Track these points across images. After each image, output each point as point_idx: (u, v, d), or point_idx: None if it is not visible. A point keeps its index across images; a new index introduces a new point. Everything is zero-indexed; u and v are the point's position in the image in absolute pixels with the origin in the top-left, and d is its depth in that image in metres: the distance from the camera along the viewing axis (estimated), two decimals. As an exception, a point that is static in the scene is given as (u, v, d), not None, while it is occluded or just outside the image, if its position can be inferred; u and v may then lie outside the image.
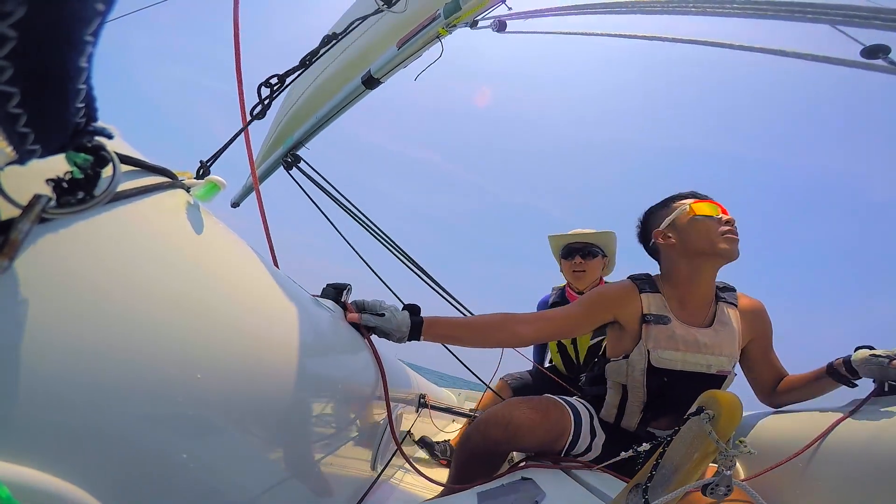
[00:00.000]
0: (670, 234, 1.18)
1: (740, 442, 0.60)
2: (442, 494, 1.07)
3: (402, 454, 1.01)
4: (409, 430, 1.65)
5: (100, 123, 0.32)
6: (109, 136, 0.31)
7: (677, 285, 1.17)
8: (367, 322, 0.98)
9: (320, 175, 2.29)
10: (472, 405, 2.82)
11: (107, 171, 0.33)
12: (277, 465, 0.61)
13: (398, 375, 1.35)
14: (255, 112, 1.06)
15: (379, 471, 1.13)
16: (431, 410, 1.89)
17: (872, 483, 0.80)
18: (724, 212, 1.15)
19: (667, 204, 1.23)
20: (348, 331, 0.92)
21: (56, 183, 0.30)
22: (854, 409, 0.94)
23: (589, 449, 1.13)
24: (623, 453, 0.85)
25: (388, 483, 1.29)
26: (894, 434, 0.82)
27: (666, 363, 1.09)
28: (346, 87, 2.06)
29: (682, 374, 1.09)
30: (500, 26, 1.85)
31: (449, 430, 2.28)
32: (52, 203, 0.29)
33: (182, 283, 0.43)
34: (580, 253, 2.06)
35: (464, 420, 2.07)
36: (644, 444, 0.75)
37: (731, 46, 1.04)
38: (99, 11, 0.24)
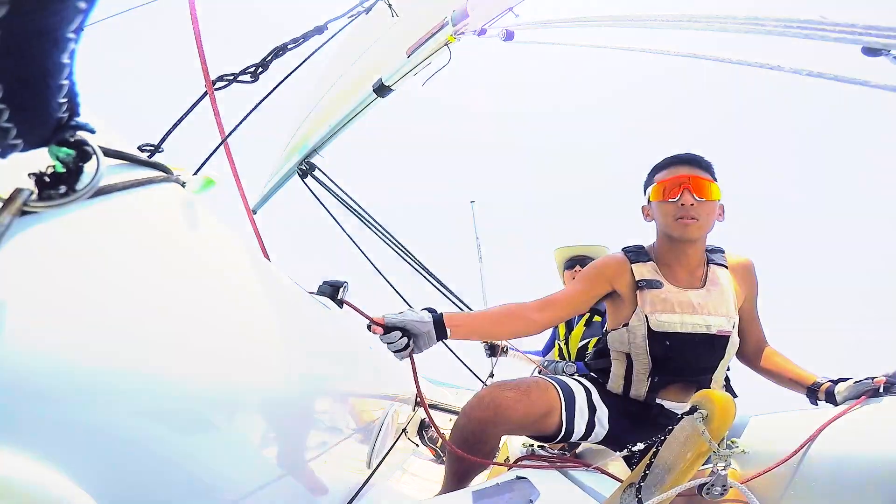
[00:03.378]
0: (649, 212, 1.23)
1: (732, 442, 0.60)
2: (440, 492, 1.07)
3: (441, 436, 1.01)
4: (405, 428, 1.65)
5: (83, 118, 0.32)
6: (92, 131, 0.32)
7: (664, 254, 1.21)
8: (391, 321, 0.98)
9: (334, 182, 2.36)
10: None
11: (92, 166, 0.33)
12: (271, 461, 0.61)
13: (395, 373, 1.34)
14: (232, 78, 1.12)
15: (374, 468, 1.13)
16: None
17: (866, 483, 0.80)
18: (688, 186, 1.11)
19: (650, 176, 1.23)
20: (343, 328, 0.92)
21: (38, 177, 0.29)
22: (848, 409, 0.94)
23: (592, 426, 1.14)
24: (617, 453, 0.85)
25: (384, 481, 1.29)
26: (887, 434, 0.82)
27: (665, 326, 1.12)
28: (357, 95, 2.14)
29: (683, 336, 1.11)
30: (508, 35, 1.87)
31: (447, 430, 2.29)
32: (34, 196, 0.29)
33: (171, 277, 0.42)
34: (579, 263, 2.41)
35: None
36: (638, 443, 0.75)
37: (744, 63, 0.99)
38: (81, 10, 0.25)
